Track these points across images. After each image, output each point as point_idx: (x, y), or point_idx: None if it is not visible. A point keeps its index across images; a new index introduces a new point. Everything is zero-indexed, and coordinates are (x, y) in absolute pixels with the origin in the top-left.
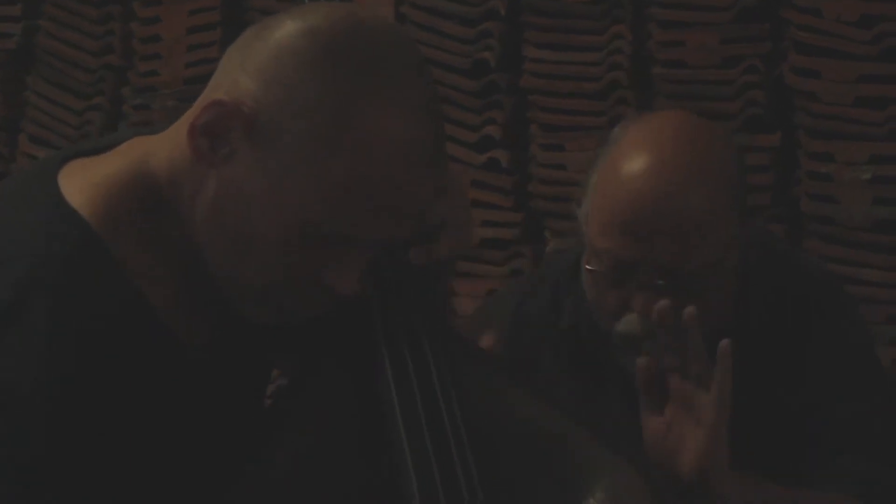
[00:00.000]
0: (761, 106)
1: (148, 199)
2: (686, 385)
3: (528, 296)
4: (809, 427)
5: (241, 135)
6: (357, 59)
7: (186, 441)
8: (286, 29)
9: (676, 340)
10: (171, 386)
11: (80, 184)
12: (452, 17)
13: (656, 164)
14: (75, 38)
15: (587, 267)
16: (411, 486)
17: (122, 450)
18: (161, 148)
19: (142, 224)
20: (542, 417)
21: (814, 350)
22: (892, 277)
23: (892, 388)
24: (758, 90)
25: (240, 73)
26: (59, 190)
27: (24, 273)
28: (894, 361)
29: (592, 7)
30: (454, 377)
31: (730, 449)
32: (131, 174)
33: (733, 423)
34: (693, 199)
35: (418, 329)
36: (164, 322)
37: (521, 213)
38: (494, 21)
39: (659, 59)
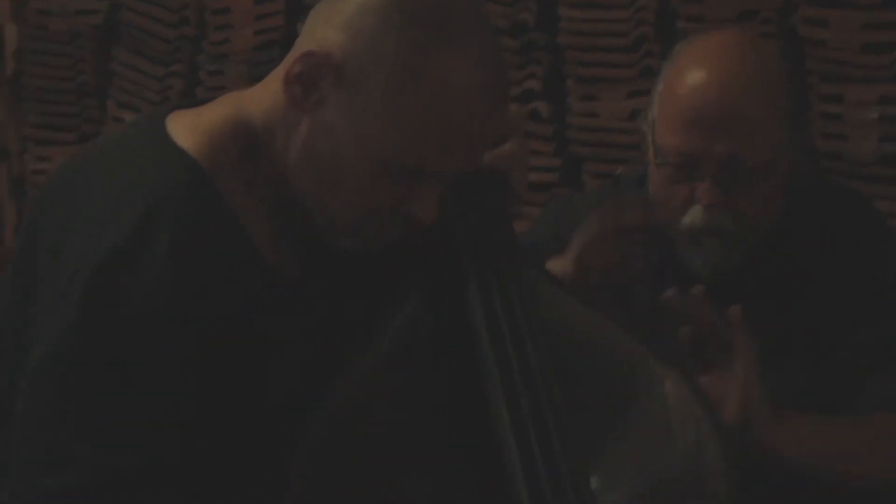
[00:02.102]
0: None
1: (245, 143)
2: (718, 351)
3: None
4: (842, 341)
5: (330, 82)
6: (429, 13)
7: (279, 364)
8: None
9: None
10: (270, 310)
11: (186, 129)
12: None
13: (720, 67)
14: (154, 11)
15: (656, 163)
16: (503, 414)
17: (226, 369)
18: (256, 98)
19: (241, 166)
20: (599, 330)
21: (850, 263)
22: None
23: None
24: (773, 40)
25: (327, 27)
26: (168, 134)
27: (145, 209)
28: None
29: None
30: (531, 302)
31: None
32: (230, 121)
33: (769, 342)
34: (752, 99)
35: (503, 257)
36: (261, 251)
37: (561, 159)
38: None
39: (682, 15)
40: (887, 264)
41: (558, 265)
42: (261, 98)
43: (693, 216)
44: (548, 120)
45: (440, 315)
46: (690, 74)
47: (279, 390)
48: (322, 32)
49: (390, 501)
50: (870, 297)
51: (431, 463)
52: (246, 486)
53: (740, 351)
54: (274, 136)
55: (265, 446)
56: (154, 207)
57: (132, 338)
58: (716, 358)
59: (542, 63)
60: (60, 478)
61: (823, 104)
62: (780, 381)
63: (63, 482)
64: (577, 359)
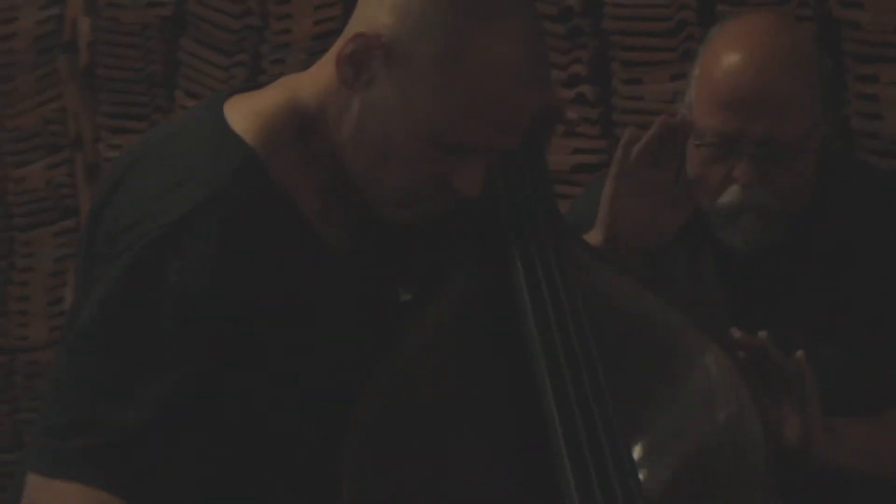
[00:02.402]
0: None
1: (299, 124)
2: (780, 381)
3: None
4: (879, 321)
5: (380, 62)
6: None
7: (329, 331)
8: None
9: (762, 211)
10: (320, 280)
11: (242, 113)
12: None
13: (753, 49)
14: (219, 3)
15: (695, 143)
16: (546, 387)
17: (276, 335)
18: (308, 81)
19: (294, 146)
20: (641, 301)
21: (884, 240)
22: None
23: None
24: (810, 22)
25: (377, 10)
26: (225, 119)
27: (199, 189)
28: None
29: None
30: (573, 275)
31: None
32: (284, 104)
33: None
34: (785, 78)
35: (546, 232)
36: (313, 228)
37: (606, 140)
38: None
39: None
40: None
41: (591, 237)
42: (314, 80)
43: (731, 195)
44: (593, 103)
45: (486, 289)
46: (726, 57)
47: (325, 362)
48: (371, 15)
49: (440, 468)
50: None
51: (479, 433)
52: (284, 462)
53: (804, 386)
54: (326, 115)
55: (305, 421)
56: (207, 196)
57: (167, 311)
58: (770, 382)
59: (587, 48)
60: (86, 439)
61: (859, 84)
62: (819, 356)
63: (88, 443)
64: (619, 330)
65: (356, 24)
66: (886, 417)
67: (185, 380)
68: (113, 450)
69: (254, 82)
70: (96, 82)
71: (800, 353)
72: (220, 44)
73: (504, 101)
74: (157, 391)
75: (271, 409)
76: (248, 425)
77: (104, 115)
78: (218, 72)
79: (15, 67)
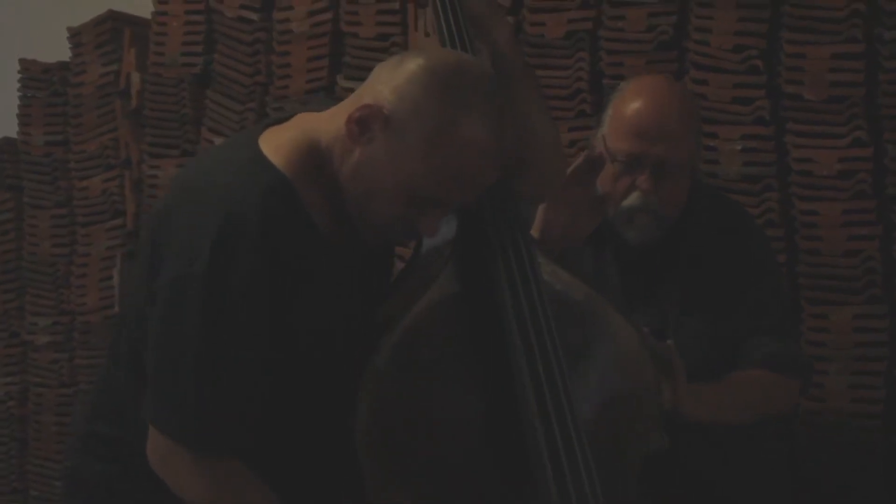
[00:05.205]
0: None
1: (315, 157)
2: (657, 360)
3: None
4: (729, 308)
5: (379, 127)
6: (455, 88)
7: (336, 313)
8: (417, 62)
9: (655, 215)
10: (326, 271)
11: (273, 145)
12: None
13: (653, 95)
14: (235, 65)
15: (609, 162)
16: (518, 347)
17: (296, 317)
18: (324, 125)
19: (311, 173)
20: (578, 289)
21: (734, 246)
22: (756, 212)
23: (785, 286)
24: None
25: (384, 87)
26: (260, 149)
27: (236, 202)
28: None
29: (565, 41)
30: (536, 267)
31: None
32: (305, 140)
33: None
34: (676, 116)
35: (517, 238)
36: (323, 232)
37: None
38: None
39: (607, 74)
40: (760, 249)
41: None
42: (328, 125)
43: (632, 199)
44: None
45: (474, 276)
46: (633, 101)
47: (336, 327)
48: (379, 90)
49: (440, 412)
50: (746, 276)
51: (472, 382)
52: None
53: (673, 364)
54: (332, 155)
55: (329, 371)
56: (243, 202)
57: (235, 306)
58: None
59: None
60: (199, 414)
61: (704, 138)
62: (686, 336)
63: (201, 418)
64: (563, 309)
65: (366, 95)
66: (729, 380)
67: (258, 353)
68: (221, 418)
69: (279, 115)
70: (142, 120)
71: (669, 341)
72: (236, 95)
73: (470, 172)
74: (242, 368)
75: (306, 365)
76: (295, 380)
77: (147, 145)
78: (233, 115)
79: (83, 107)
